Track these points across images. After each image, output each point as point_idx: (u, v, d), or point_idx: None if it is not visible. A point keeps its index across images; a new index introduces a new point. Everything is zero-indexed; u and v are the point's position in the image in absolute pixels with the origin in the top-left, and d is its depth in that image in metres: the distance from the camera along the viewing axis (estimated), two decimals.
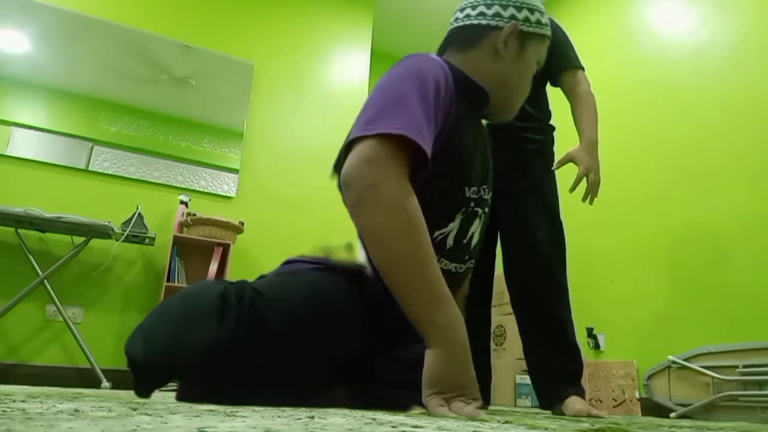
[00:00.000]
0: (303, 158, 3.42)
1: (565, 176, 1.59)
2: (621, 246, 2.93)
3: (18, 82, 2.88)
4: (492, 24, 0.98)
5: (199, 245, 2.87)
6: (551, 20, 1.39)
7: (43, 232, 2.58)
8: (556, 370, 1.46)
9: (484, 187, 0.98)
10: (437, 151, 0.83)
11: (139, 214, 2.70)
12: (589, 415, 1.32)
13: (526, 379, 2.91)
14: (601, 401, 2.77)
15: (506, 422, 0.58)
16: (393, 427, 0.44)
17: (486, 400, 1.64)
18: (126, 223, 2.67)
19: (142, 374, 0.76)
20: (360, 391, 0.86)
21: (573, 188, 1.52)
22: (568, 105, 1.63)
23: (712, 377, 2.22)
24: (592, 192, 1.51)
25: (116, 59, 3.10)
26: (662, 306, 2.63)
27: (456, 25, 1.03)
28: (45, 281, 2.44)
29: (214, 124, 3.29)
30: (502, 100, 1.01)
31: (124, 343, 0.78)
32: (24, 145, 2.80)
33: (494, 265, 1.67)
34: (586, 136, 1.54)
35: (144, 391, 0.79)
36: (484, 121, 1.09)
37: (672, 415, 2.31)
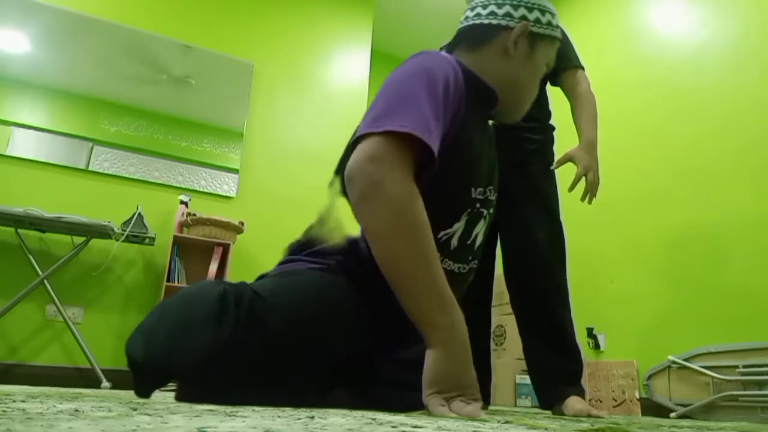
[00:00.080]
0: (303, 158, 3.42)
1: (565, 176, 1.59)
2: (621, 246, 2.93)
3: (18, 82, 2.88)
4: (502, 24, 0.97)
5: (199, 245, 2.87)
6: None
7: (43, 232, 2.58)
8: (556, 370, 1.46)
9: (490, 188, 0.98)
10: (444, 151, 0.83)
11: (139, 214, 2.70)
12: (589, 415, 1.32)
13: (526, 379, 2.91)
14: (601, 401, 2.77)
15: (506, 422, 0.58)
16: (393, 427, 0.44)
17: (486, 400, 1.64)
18: (126, 223, 2.67)
19: (141, 374, 0.76)
20: (360, 391, 0.86)
21: (572, 188, 1.52)
22: (568, 105, 1.64)
23: (712, 377, 2.22)
24: (591, 192, 1.51)
25: (116, 59, 3.10)
26: (662, 306, 2.63)
27: (466, 23, 1.02)
28: (45, 281, 2.44)
29: (214, 124, 3.29)
30: (510, 100, 1.00)
31: (125, 343, 0.78)
32: (24, 145, 2.80)
33: (494, 265, 1.67)
34: (586, 135, 1.54)
35: (144, 391, 0.79)
36: (489, 122, 1.09)
37: (672, 415, 2.31)
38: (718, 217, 2.46)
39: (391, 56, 4.65)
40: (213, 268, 2.82)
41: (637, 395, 2.60)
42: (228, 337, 0.71)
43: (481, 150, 0.96)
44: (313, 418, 0.51)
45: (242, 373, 0.73)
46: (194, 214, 2.85)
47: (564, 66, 1.61)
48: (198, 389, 0.74)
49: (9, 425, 0.34)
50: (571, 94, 1.62)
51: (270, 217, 3.19)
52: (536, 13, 0.99)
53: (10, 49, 2.90)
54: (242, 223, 2.96)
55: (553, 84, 1.67)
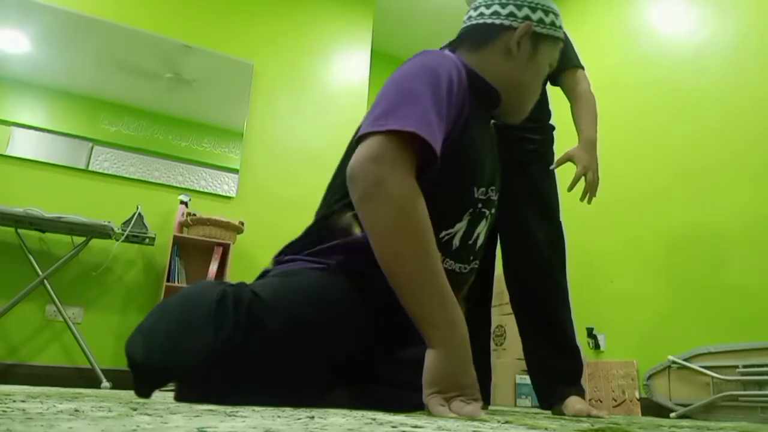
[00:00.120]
0: (303, 158, 3.42)
1: (565, 176, 1.59)
2: (621, 246, 2.93)
3: (18, 82, 2.88)
4: (506, 24, 0.97)
5: (199, 245, 2.87)
6: None
7: (43, 232, 2.58)
8: (556, 370, 1.46)
9: (492, 188, 0.98)
10: (447, 150, 0.83)
11: (139, 214, 2.70)
12: (589, 415, 1.32)
13: (526, 379, 2.91)
14: (601, 401, 2.77)
15: (506, 422, 0.58)
16: (393, 427, 0.44)
17: (486, 400, 1.64)
18: (126, 223, 2.67)
19: (141, 375, 0.76)
20: (360, 391, 0.86)
21: (571, 187, 1.52)
22: (568, 105, 1.63)
23: (712, 377, 2.22)
24: (590, 191, 1.51)
25: (116, 59, 3.10)
26: (662, 306, 2.63)
27: (469, 23, 1.02)
28: (45, 281, 2.44)
29: (214, 124, 3.29)
30: (513, 100, 1.00)
31: (125, 343, 0.78)
32: (24, 145, 2.80)
33: (494, 265, 1.67)
34: (585, 135, 1.54)
35: (144, 391, 0.79)
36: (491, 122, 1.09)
37: (672, 415, 2.31)
38: (718, 217, 2.46)
39: (391, 56, 4.65)
40: (213, 268, 2.82)
41: (637, 395, 2.60)
42: (227, 339, 0.71)
43: (484, 150, 0.95)
44: (313, 418, 0.51)
45: (242, 374, 0.73)
46: (194, 214, 2.85)
47: (564, 66, 1.60)
48: (198, 390, 0.74)
49: (9, 425, 0.34)
50: (570, 94, 1.62)
51: (270, 217, 3.19)
52: (540, 14, 0.99)
53: (10, 49, 2.90)
54: (242, 223, 2.96)
55: (553, 84, 1.67)
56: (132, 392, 0.80)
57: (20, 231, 2.49)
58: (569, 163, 1.53)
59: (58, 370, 2.57)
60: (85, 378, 2.54)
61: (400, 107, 0.80)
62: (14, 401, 0.65)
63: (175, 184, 3.07)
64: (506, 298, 1.64)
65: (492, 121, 1.08)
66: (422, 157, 0.80)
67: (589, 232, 3.02)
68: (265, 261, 1.01)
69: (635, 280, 2.80)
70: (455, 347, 0.74)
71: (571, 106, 1.62)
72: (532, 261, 1.53)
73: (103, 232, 2.53)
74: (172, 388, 0.78)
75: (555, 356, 1.47)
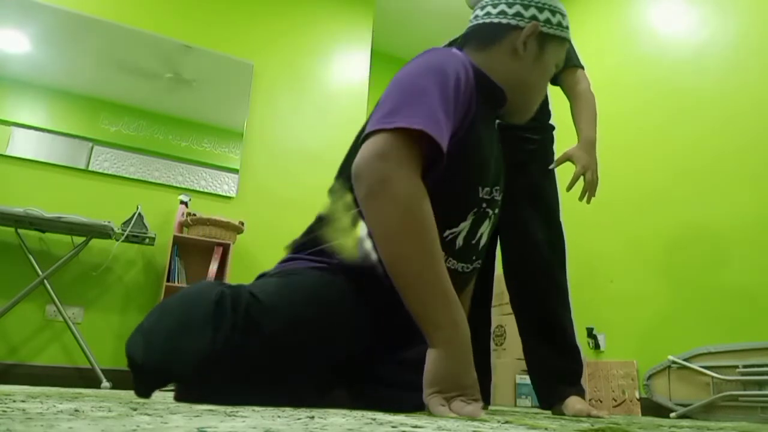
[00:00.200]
0: (303, 158, 3.42)
1: (565, 176, 1.59)
2: (621, 246, 2.92)
3: (18, 82, 2.88)
4: (512, 23, 0.97)
5: (199, 245, 2.87)
6: None
7: (43, 232, 2.58)
8: (556, 370, 1.46)
9: (497, 188, 0.98)
10: (454, 149, 0.82)
11: (139, 214, 2.70)
12: (589, 415, 1.32)
13: (526, 379, 2.91)
14: (601, 401, 2.77)
15: (506, 422, 0.58)
16: (393, 427, 0.44)
17: (486, 400, 1.64)
18: (126, 223, 2.67)
19: (141, 375, 0.76)
20: (360, 391, 0.86)
21: (570, 187, 1.52)
22: (568, 104, 1.63)
23: (712, 377, 2.22)
24: (589, 191, 1.51)
25: (116, 59, 3.10)
26: (662, 306, 2.63)
27: (476, 22, 1.01)
28: (45, 281, 2.44)
29: (214, 124, 3.29)
30: (518, 100, 1.00)
31: (125, 343, 0.78)
32: (24, 145, 2.80)
33: (494, 265, 1.67)
34: (585, 135, 1.54)
35: (144, 392, 0.79)
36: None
37: (672, 415, 2.31)
38: (718, 217, 2.46)
39: (391, 56, 4.65)
40: (213, 268, 2.82)
41: (637, 395, 2.60)
42: (225, 341, 0.71)
43: (489, 150, 0.95)
44: (313, 418, 0.51)
45: (240, 375, 0.73)
46: (194, 214, 2.85)
47: (564, 65, 1.60)
48: (197, 390, 0.75)
49: (9, 425, 0.34)
50: (570, 94, 1.62)
51: (270, 217, 3.19)
52: (546, 14, 0.98)
53: (10, 49, 2.90)
54: (242, 223, 2.96)
55: (553, 83, 1.66)
56: (132, 392, 0.80)
57: (20, 231, 2.49)
58: (570, 163, 1.53)
59: (58, 370, 2.57)
60: (85, 378, 2.54)
61: (408, 105, 0.80)
62: (14, 401, 0.65)
63: (175, 184, 3.07)
64: (506, 298, 1.63)
65: (497, 121, 1.07)
66: (429, 155, 0.80)
67: (589, 232, 3.02)
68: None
69: (635, 280, 2.80)
70: (457, 347, 0.74)
71: (571, 106, 1.61)
72: (532, 261, 1.53)
73: (103, 232, 2.53)
74: (172, 388, 0.79)
75: (555, 356, 1.47)
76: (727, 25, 2.64)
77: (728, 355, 2.22)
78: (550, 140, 1.67)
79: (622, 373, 2.71)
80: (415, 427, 0.45)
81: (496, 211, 0.99)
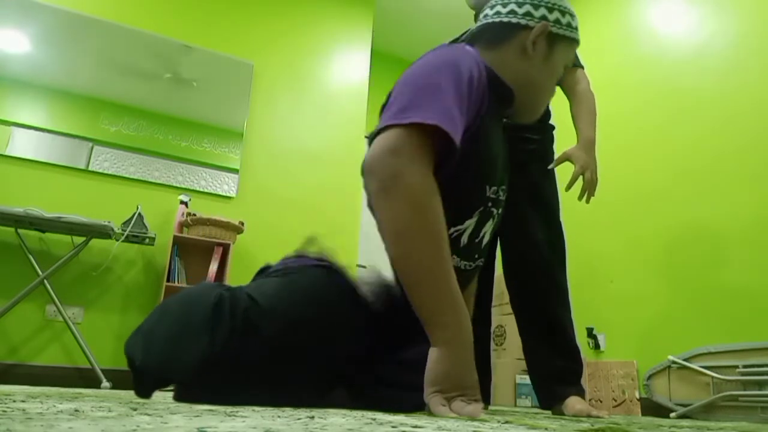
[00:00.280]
0: (303, 158, 3.42)
1: (565, 176, 1.59)
2: (621, 246, 2.93)
3: (18, 82, 2.88)
4: (522, 23, 0.97)
5: (199, 245, 2.87)
6: None
7: (43, 232, 2.58)
8: (556, 370, 1.46)
9: (503, 187, 0.98)
10: (464, 146, 0.82)
11: (139, 214, 2.70)
12: (589, 415, 1.32)
13: (526, 379, 2.91)
14: (601, 401, 2.77)
15: (506, 422, 0.58)
16: (393, 427, 0.44)
17: (486, 401, 1.64)
18: (126, 223, 2.67)
19: (141, 377, 0.76)
20: (360, 391, 0.86)
21: (569, 187, 1.52)
22: (567, 104, 1.63)
23: (712, 377, 2.22)
24: (589, 191, 1.50)
25: (116, 59, 3.10)
26: (662, 306, 2.63)
27: (485, 21, 1.01)
28: (45, 281, 2.44)
29: (214, 124, 3.29)
30: (526, 100, 1.00)
31: (124, 343, 0.78)
32: (24, 145, 2.80)
33: (494, 265, 1.67)
34: (584, 134, 1.54)
35: (144, 392, 0.79)
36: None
37: (672, 415, 2.31)
38: (718, 217, 2.46)
39: (391, 56, 4.65)
40: (213, 268, 2.82)
41: (637, 395, 2.60)
42: (223, 346, 0.71)
43: (497, 149, 0.95)
44: (313, 418, 0.51)
45: (240, 377, 0.73)
46: (194, 214, 2.85)
47: None
48: (197, 391, 0.75)
49: (9, 425, 0.34)
50: (570, 93, 1.62)
51: (270, 217, 3.19)
52: (556, 14, 0.98)
53: (10, 49, 2.90)
54: (242, 223, 2.96)
55: None
56: (132, 392, 0.80)
57: (20, 231, 2.49)
58: (569, 163, 1.52)
59: (58, 370, 2.57)
60: (85, 378, 2.54)
61: (422, 100, 0.79)
62: (14, 401, 0.65)
63: (175, 184, 3.07)
64: (506, 298, 1.64)
65: (504, 120, 1.07)
66: (441, 152, 0.79)
67: (589, 232, 3.02)
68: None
69: (635, 280, 2.80)
70: (459, 348, 0.73)
71: (570, 105, 1.61)
72: (532, 261, 1.53)
73: (103, 232, 2.53)
74: (172, 388, 0.79)
75: (555, 356, 1.47)
76: (727, 25, 2.64)
77: (728, 355, 2.22)
78: (550, 140, 1.67)
79: (622, 373, 2.71)
80: (415, 427, 0.45)
81: (500, 210, 0.99)
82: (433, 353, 0.73)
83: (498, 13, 0.99)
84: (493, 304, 1.73)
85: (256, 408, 0.65)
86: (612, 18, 3.39)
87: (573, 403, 1.38)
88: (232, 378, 0.72)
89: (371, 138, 0.81)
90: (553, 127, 1.68)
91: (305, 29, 3.71)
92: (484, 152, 0.91)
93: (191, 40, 3.30)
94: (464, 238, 0.92)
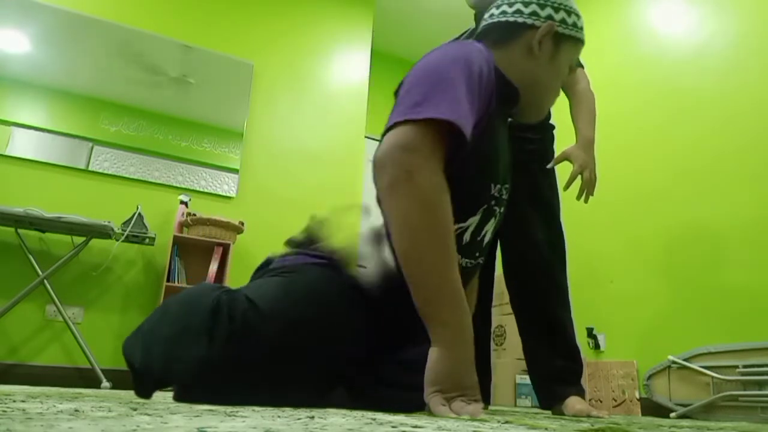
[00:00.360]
0: (303, 158, 3.42)
1: (566, 176, 1.59)
2: (621, 246, 2.92)
3: (18, 82, 2.88)
4: (528, 22, 0.97)
5: (199, 245, 2.87)
6: None
7: (43, 232, 2.58)
8: (556, 370, 1.46)
9: (506, 186, 0.98)
10: (471, 144, 0.82)
11: (139, 214, 2.70)
12: (589, 415, 1.32)
13: (526, 379, 2.91)
14: (601, 401, 2.77)
15: (506, 422, 0.58)
16: (393, 427, 0.44)
17: (486, 401, 1.64)
18: (126, 223, 2.67)
19: (141, 377, 0.76)
20: (360, 391, 0.86)
21: (567, 186, 1.52)
22: (567, 104, 1.63)
23: (712, 377, 2.22)
24: (588, 190, 1.50)
25: (116, 59, 3.10)
26: (662, 306, 2.63)
27: (491, 21, 1.01)
28: (45, 281, 2.44)
29: (214, 124, 3.29)
30: (531, 100, 1.00)
31: (123, 344, 0.78)
32: (24, 145, 2.80)
33: (494, 265, 1.67)
34: (583, 134, 1.54)
35: (143, 393, 0.79)
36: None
37: (672, 415, 2.31)
38: (717, 217, 2.45)
39: (391, 56, 4.65)
40: (213, 268, 2.82)
41: (637, 395, 2.60)
42: (220, 349, 0.71)
43: (503, 147, 0.95)
44: (313, 418, 0.51)
45: (239, 379, 0.73)
46: (194, 214, 2.85)
47: None
48: (196, 392, 0.75)
49: (9, 425, 0.34)
50: (569, 92, 1.62)
51: (270, 217, 3.19)
52: (562, 14, 0.98)
53: (10, 49, 2.90)
54: (242, 223, 2.96)
55: None
56: (132, 392, 0.80)
57: (20, 231, 2.49)
58: (569, 162, 1.52)
59: (58, 370, 2.57)
60: (85, 378, 2.54)
61: (435, 95, 0.79)
62: (14, 401, 0.65)
63: (175, 184, 3.07)
64: (506, 298, 1.63)
65: (509, 119, 1.07)
66: (451, 147, 0.79)
67: (589, 232, 3.02)
68: None
69: (635, 280, 2.80)
70: (460, 347, 0.73)
71: (570, 105, 1.61)
72: (532, 261, 1.53)
73: (103, 232, 2.53)
74: (172, 388, 0.79)
75: (555, 356, 1.46)
76: (727, 25, 2.64)
77: (728, 355, 2.21)
78: (550, 140, 1.67)
79: (622, 373, 2.71)
80: (415, 427, 0.45)
81: (502, 209, 0.99)
82: (433, 353, 0.73)
83: (504, 12, 0.99)
84: (493, 304, 1.73)
85: (256, 408, 0.65)
86: (612, 18, 3.39)
87: (573, 403, 1.38)
88: (231, 380, 0.72)
89: (383, 133, 0.80)
90: (553, 127, 1.68)
91: (305, 29, 3.71)
92: (490, 150, 0.91)
93: (191, 40, 3.30)
94: (467, 236, 0.92)
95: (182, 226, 2.87)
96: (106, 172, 2.93)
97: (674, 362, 2.39)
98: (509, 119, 1.07)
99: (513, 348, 3.09)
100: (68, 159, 2.88)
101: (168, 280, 2.70)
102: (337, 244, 0.92)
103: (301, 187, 3.31)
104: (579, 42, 1.02)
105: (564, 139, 1.72)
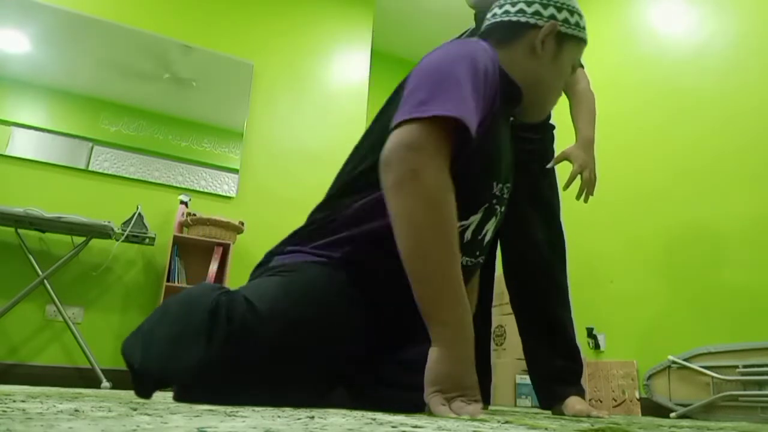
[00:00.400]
0: (303, 158, 3.42)
1: (565, 175, 1.59)
2: (621, 246, 2.92)
3: (18, 82, 2.88)
4: (531, 22, 0.97)
5: (199, 245, 2.87)
6: None
7: (43, 232, 2.58)
8: (556, 370, 1.46)
9: (508, 185, 0.98)
10: (474, 142, 0.82)
11: (139, 214, 2.70)
12: (589, 415, 1.32)
13: (526, 379, 2.91)
14: (601, 401, 2.77)
15: (506, 422, 0.58)
16: (393, 427, 0.44)
17: (486, 401, 1.64)
18: (126, 223, 2.67)
19: (140, 378, 0.76)
20: (360, 391, 0.86)
21: (567, 186, 1.52)
22: (567, 104, 1.63)
23: (712, 377, 2.22)
24: (587, 190, 1.50)
25: (116, 59, 3.10)
26: (662, 306, 2.63)
27: (494, 20, 1.01)
28: (45, 281, 2.44)
29: (214, 124, 3.29)
30: (534, 99, 1.00)
31: (122, 344, 0.78)
32: (24, 145, 2.80)
33: (494, 265, 1.67)
34: (583, 134, 1.53)
35: (143, 393, 0.79)
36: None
37: (672, 415, 2.31)
38: (717, 217, 2.45)
39: (391, 56, 4.66)
40: (213, 268, 2.82)
41: (637, 395, 2.60)
42: (219, 351, 0.70)
43: (505, 146, 0.96)
44: (313, 418, 0.51)
45: (239, 379, 0.73)
46: (194, 214, 2.85)
47: None
48: (196, 393, 0.75)
49: (9, 425, 0.34)
50: (569, 92, 1.62)
51: (270, 217, 3.19)
52: (565, 13, 0.98)
53: (10, 49, 2.90)
54: (242, 223, 2.96)
55: None
56: (132, 392, 0.80)
57: (20, 231, 2.49)
58: (569, 162, 1.52)
59: (58, 370, 2.57)
60: (85, 378, 2.54)
61: (441, 93, 0.79)
62: (14, 401, 0.65)
63: (175, 184, 3.07)
64: (506, 298, 1.63)
65: (511, 119, 1.07)
66: (456, 145, 0.79)
67: (589, 232, 3.02)
68: None
69: (635, 280, 2.80)
70: (460, 347, 0.73)
71: (570, 105, 1.61)
72: (532, 261, 1.53)
73: (103, 232, 2.53)
74: (172, 388, 0.78)
75: (555, 356, 1.46)
76: (727, 25, 2.64)
77: (728, 355, 2.21)
78: (550, 140, 1.67)
79: (622, 373, 2.71)
80: (415, 427, 0.45)
81: (503, 209, 0.99)
82: (433, 353, 0.73)
83: (507, 12, 0.99)
84: (493, 304, 1.73)
85: (256, 408, 0.65)
86: (612, 18, 3.39)
87: (573, 403, 1.38)
88: (231, 379, 0.72)
89: (389, 131, 0.81)
90: (553, 127, 1.68)
91: (305, 29, 3.71)
92: (493, 149, 0.91)
93: (191, 40, 3.30)
94: (468, 234, 0.92)
95: (182, 226, 2.87)
96: (106, 172, 2.93)
97: (674, 362, 2.39)
98: (511, 119, 1.07)
99: (513, 348, 3.09)
100: (68, 159, 2.88)
101: (168, 280, 2.70)
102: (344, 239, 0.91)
103: (301, 187, 3.31)
104: (582, 42, 1.02)
105: (564, 139, 1.71)
